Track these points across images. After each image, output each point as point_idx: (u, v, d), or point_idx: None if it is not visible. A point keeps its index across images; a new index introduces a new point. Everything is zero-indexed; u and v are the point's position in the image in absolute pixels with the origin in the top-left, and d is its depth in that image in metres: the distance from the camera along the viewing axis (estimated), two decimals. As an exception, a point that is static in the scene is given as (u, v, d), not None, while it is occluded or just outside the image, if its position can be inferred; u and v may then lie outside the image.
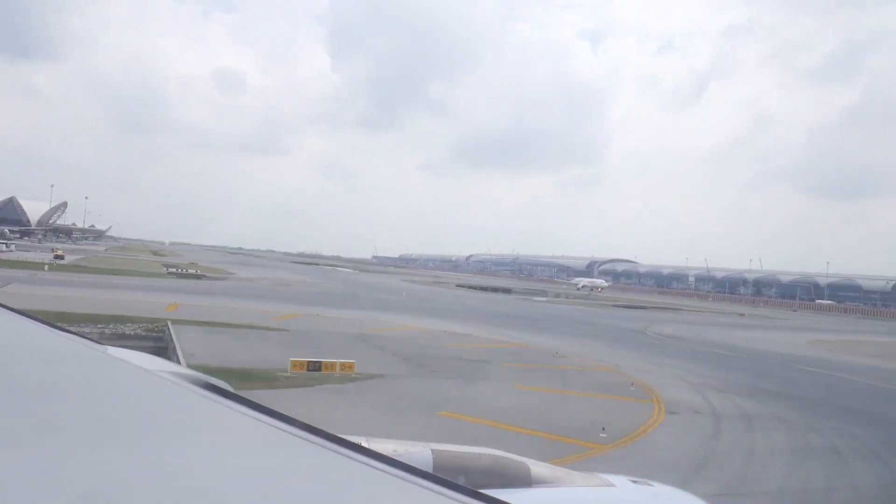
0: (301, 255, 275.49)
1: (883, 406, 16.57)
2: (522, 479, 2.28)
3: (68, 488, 0.83)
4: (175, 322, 20.39)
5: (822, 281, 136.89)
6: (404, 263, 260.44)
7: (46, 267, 44.83)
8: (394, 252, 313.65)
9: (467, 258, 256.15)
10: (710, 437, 11.74)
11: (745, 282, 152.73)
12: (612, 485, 2.49)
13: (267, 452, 1.20)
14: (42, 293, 25.89)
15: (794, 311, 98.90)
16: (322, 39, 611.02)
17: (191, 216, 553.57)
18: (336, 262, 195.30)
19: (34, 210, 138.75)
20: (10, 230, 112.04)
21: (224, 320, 22.26)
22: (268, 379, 13.80)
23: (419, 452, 2.20)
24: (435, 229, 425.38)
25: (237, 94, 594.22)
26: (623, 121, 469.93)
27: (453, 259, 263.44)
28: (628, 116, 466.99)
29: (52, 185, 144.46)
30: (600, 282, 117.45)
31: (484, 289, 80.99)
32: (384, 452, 1.41)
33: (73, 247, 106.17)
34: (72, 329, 2.34)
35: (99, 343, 2.21)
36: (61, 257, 57.82)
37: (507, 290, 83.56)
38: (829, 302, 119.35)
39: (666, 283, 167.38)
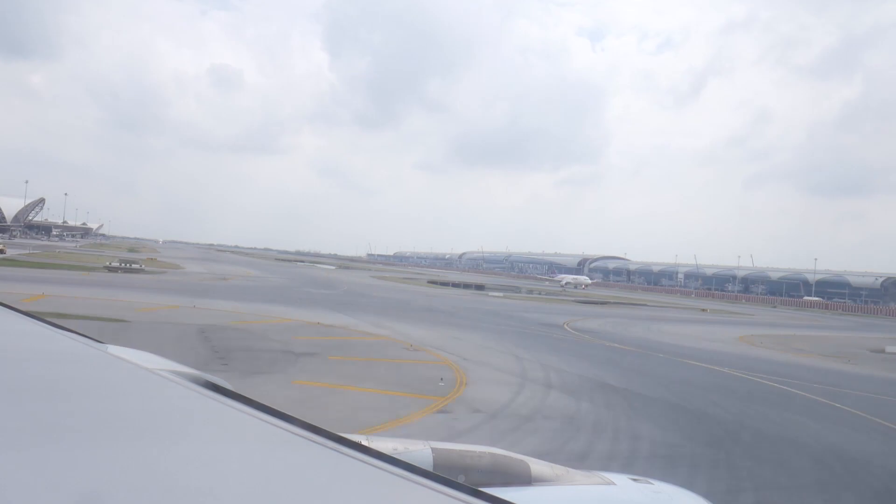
0: (297, 253, 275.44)
1: (731, 405, 14.91)
2: (522, 478, 2.27)
3: (69, 487, 0.83)
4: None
5: (812, 278, 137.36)
6: (398, 261, 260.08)
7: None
8: (389, 250, 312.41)
9: (460, 256, 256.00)
10: (449, 439, 10.11)
11: (734, 279, 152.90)
12: (612, 483, 2.47)
13: (267, 451, 1.20)
14: None
15: (774, 307, 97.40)
16: (319, 37, 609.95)
17: (189, 215, 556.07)
18: (328, 259, 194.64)
19: (10, 206, 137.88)
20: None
21: (72, 311, 20.76)
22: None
23: (419, 451, 2.18)
24: (432, 227, 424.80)
25: (234, 93, 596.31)
26: (620, 119, 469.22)
27: (447, 257, 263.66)
28: (625, 115, 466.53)
29: (27, 182, 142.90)
30: (584, 279, 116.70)
31: (456, 285, 79.23)
32: (384, 451, 1.44)
33: (43, 243, 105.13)
34: (72, 328, 2.27)
35: (99, 342, 2.20)
36: (2, 251, 57.15)
37: (479, 287, 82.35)
38: (817, 299, 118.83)
39: (655, 280, 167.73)
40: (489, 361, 17.88)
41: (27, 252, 65.81)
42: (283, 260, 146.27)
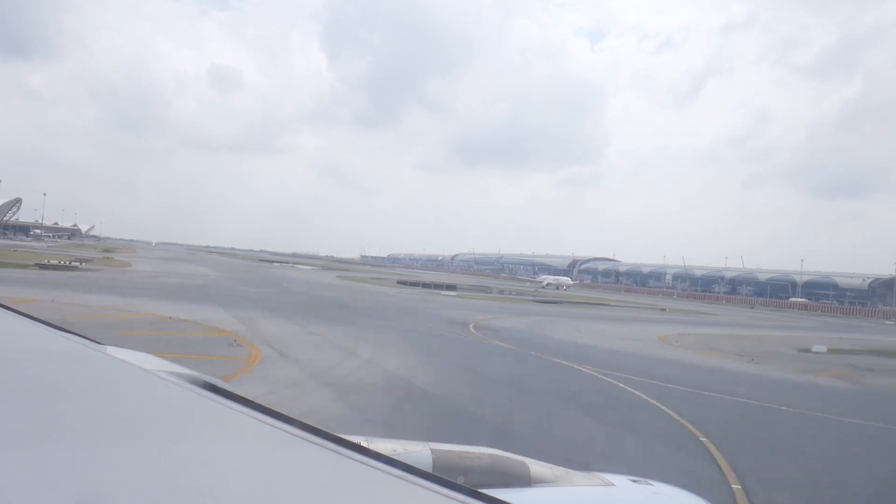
0: (294, 255, 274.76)
1: (505, 399, 13.22)
2: (522, 479, 2.24)
3: (68, 488, 0.84)
4: None
5: (800, 279, 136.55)
6: (391, 263, 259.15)
7: None
8: (386, 252, 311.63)
9: (453, 258, 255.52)
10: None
11: (721, 280, 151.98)
12: (611, 484, 2.44)
13: (266, 452, 1.21)
14: None
15: (752, 308, 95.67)
16: (318, 37, 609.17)
17: (189, 217, 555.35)
18: (320, 261, 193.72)
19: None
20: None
21: None
22: None
23: (419, 452, 2.16)
24: (432, 228, 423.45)
25: (233, 93, 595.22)
26: (620, 119, 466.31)
27: (439, 258, 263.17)
28: (625, 115, 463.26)
29: (0, 181, 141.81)
30: (565, 280, 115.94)
31: (426, 285, 76.67)
32: (384, 452, 1.43)
33: (11, 242, 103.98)
34: (71, 329, 2.26)
35: (98, 343, 2.18)
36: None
37: (450, 287, 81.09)
38: (802, 300, 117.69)
39: (644, 281, 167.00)
40: (307, 357, 16.23)
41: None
42: (266, 261, 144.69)
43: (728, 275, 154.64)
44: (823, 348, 29.87)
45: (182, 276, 51.48)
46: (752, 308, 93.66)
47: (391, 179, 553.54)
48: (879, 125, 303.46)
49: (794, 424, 13.22)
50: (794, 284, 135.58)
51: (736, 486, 8.16)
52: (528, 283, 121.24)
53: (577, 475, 2.44)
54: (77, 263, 54.74)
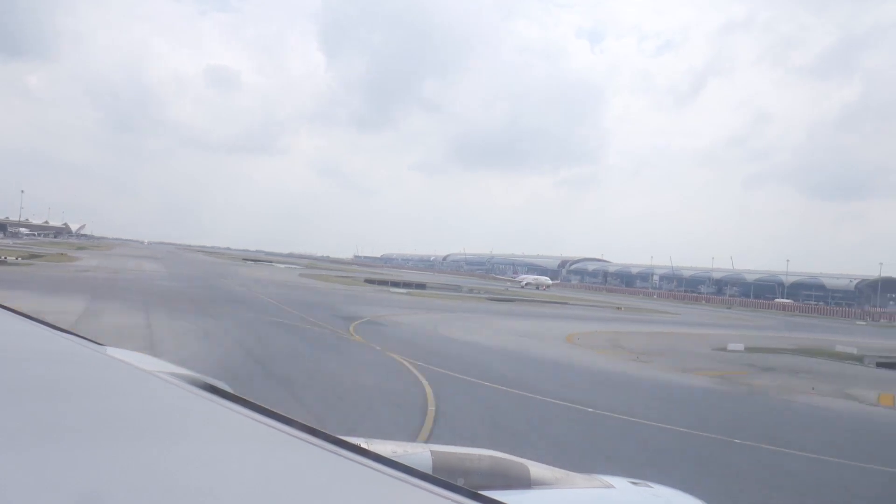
0: (290, 255, 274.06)
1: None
2: (522, 481, 2.24)
3: (67, 488, 0.84)
4: None
5: (788, 280, 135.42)
6: (383, 263, 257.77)
7: None
8: (381, 252, 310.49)
9: (444, 258, 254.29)
10: None
11: (708, 280, 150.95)
12: (611, 486, 2.46)
13: (266, 453, 1.21)
14: None
15: (729, 308, 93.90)
16: (317, 38, 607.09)
17: (187, 217, 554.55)
18: (312, 261, 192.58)
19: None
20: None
21: None
22: None
23: (418, 454, 2.17)
24: (432, 229, 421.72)
25: (232, 94, 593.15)
26: (619, 120, 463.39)
27: (431, 259, 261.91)
28: (625, 115, 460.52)
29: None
30: (545, 279, 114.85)
31: (394, 284, 75.01)
32: (383, 454, 1.43)
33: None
34: (70, 329, 2.27)
35: (98, 343, 2.18)
36: None
37: (420, 286, 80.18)
38: (787, 301, 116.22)
39: (631, 281, 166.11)
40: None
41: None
42: (249, 260, 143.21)
43: (716, 275, 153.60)
44: (741, 346, 28.14)
45: (116, 272, 49.96)
46: (729, 308, 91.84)
47: (389, 180, 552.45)
48: (879, 125, 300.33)
49: (544, 414, 12.12)
50: (781, 285, 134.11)
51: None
52: (509, 283, 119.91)
53: (577, 477, 2.44)
54: (16, 259, 53.58)
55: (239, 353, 16.10)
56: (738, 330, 44.32)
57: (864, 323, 75.27)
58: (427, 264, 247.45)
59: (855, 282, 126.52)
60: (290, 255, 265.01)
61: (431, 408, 11.35)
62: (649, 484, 2.60)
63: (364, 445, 1.57)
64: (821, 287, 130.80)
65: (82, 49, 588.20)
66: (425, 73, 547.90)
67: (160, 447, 1.08)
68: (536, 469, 2.31)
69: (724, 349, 27.66)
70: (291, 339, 19.97)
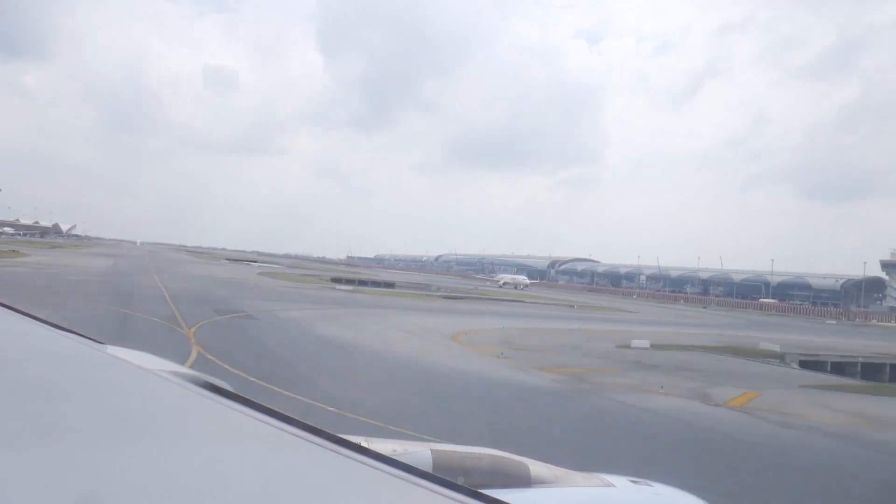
0: (285, 255, 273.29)
1: None
2: (522, 480, 2.26)
3: (68, 488, 0.84)
4: None
5: (774, 279, 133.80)
6: (376, 264, 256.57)
7: None
8: (379, 253, 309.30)
9: (436, 258, 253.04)
10: None
11: (695, 280, 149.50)
12: (611, 485, 2.47)
13: (266, 452, 1.21)
14: None
15: (705, 307, 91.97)
16: (316, 39, 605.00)
17: (182, 218, 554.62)
18: (305, 261, 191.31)
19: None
20: None
21: None
22: None
23: (419, 452, 2.19)
24: (428, 230, 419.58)
25: (228, 94, 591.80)
26: (618, 121, 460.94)
27: (423, 259, 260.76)
28: (623, 117, 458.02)
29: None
30: (522, 279, 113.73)
31: (362, 283, 74.23)
32: (384, 452, 1.44)
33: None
34: (71, 328, 2.26)
35: (99, 342, 2.20)
36: None
37: (389, 284, 78.96)
38: (772, 300, 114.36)
39: (619, 281, 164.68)
40: None
41: None
42: (232, 259, 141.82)
43: (703, 275, 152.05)
44: (646, 344, 26.31)
45: (45, 268, 48.42)
46: (705, 307, 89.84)
47: (388, 181, 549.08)
48: (878, 126, 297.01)
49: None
50: (767, 285, 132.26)
51: None
52: (489, 283, 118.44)
53: (577, 476, 2.44)
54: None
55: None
56: (683, 328, 42.40)
57: (834, 322, 73.26)
58: (419, 265, 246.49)
59: (841, 282, 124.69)
60: (284, 256, 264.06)
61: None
62: (650, 482, 2.59)
63: (364, 444, 1.57)
64: (807, 287, 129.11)
65: (79, 50, 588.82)
66: (424, 73, 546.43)
67: (161, 446, 1.08)
68: (536, 468, 2.32)
69: (628, 346, 25.85)
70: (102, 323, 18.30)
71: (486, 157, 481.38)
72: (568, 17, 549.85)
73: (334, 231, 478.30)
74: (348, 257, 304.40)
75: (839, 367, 29.37)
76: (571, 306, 57.26)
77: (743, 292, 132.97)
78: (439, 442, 2.38)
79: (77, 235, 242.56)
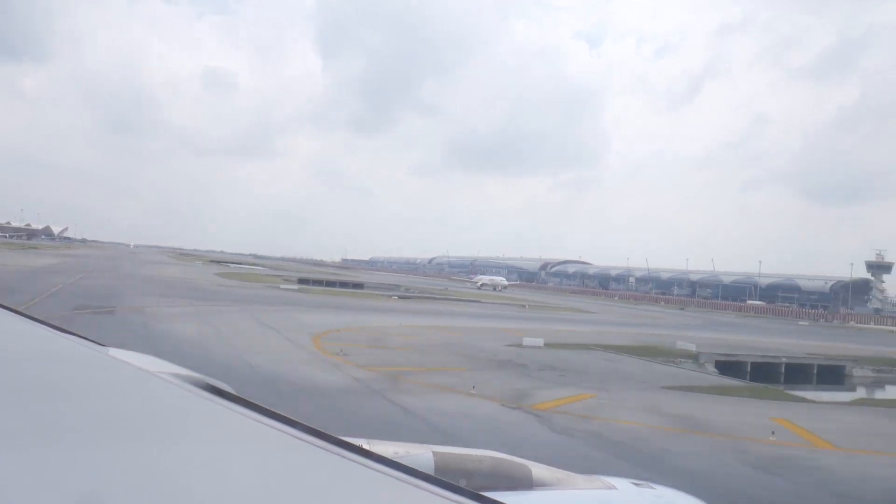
0: (282, 258, 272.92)
1: None
2: (524, 482, 2.24)
3: (69, 489, 0.84)
4: None
5: (764, 281, 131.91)
6: (369, 266, 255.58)
7: None
8: (365, 255, 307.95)
9: (430, 261, 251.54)
10: None
11: (684, 282, 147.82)
12: (613, 487, 2.45)
13: (268, 454, 1.21)
14: None
15: (682, 308, 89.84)
16: (316, 41, 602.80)
17: (181, 221, 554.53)
18: (299, 264, 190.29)
19: None
20: None
21: None
22: None
23: (420, 455, 2.18)
24: (425, 232, 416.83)
25: (226, 96, 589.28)
26: (617, 123, 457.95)
27: (417, 262, 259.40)
28: (623, 119, 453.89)
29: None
30: (500, 280, 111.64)
31: (329, 283, 73.16)
32: (385, 455, 1.44)
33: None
34: (73, 330, 2.25)
35: (100, 344, 2.18)
36: None
37: (358, 285, 77.74)
38: (760, 302, 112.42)
39: (608, 283, 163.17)
40: None
41: None
42: (215, 261, 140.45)
43: (693, 277, 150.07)
44: (539, 342, 24.36)
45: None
46: (682, 309, 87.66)
47: (386, 183, 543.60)
48: (878, 127, 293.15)
49: None
50: (757, 287, 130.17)
51: None
52: (468, 284, 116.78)
53: (579, 478, 2.43)
54: None
55: None
56: (623, 328, 40.17)
57: (806, 323, 70.91)
58: (412, 267, 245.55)
59: (830, 283, 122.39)
60: (281, 259, 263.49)
61: None
62: (651, 485, 2.57)
63: (366, 446, 1.57)
64: (796, 289, 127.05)
65: (75, 51, 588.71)
66: (424, 74, 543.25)
67: (161, 448, 1.07)
68: (538, 470, 2.30)
69: (519, 345, 23.90)
70: None
71: (485, 159, 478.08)
72: (568, 17, 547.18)
73: (335, 234, 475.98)
74: (343, 260, 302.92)
75: (760, 368, 27.35)
76: (523, 306, 55.30)
77: (732, 294, 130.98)
78: (441, 444, 2.34)
79: (69, 238, 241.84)
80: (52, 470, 0.87)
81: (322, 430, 1.28)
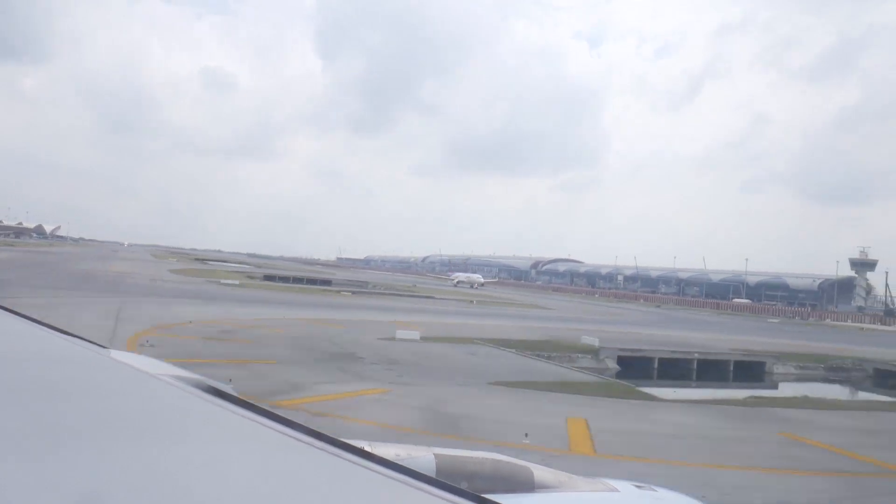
0: (280, 258, 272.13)
1: None
2: (525, 484, 2.24)
3: (70, 491, 0.85)
4: None
5: (752, 280, 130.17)
6: (364, 265, 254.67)
7: None
8: (360, 254, 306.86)
9: (423, 259, 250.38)
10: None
11: (673, 280, 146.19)
12: (615, 489, 2.42)
13: (269, 456, 1.22)
14: None
15: (658, 306, 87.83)
16: (315, 42, 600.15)
17: (179, 221, 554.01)
18: (296, 262, 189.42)
19: None
20: None
21: None
22: None
23: (422, 457, 2.17)
24: (424, 232, 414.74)
25: (224, 97, 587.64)
26: (617, 123, 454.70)
27: (411, 260, 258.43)
28: (623, 119, 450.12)
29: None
30: (477, 277, 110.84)
31: (297, 280, 72.98)
32: (386, 457, 1.45)
33: None
34: (74, 332, 2.23)
35: (102, 346, 2.18)
36: None
37: (325, 282, 76.89)
38: (746, 301, 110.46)
39: (597, 282, 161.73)
40: None
41: None
42: (198, 259, 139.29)
43: (682, 275, 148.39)
44: (415, 335, 22.53)
45: None
46: (658, 307, 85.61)
47: (386, 183, 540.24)
48: (878, 127, 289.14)
49: None
50: (745, 285, 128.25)
51: None
52: (447, 281, 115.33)
53: (581, 481, 2.42)
54: None
55: None
56: (564, 323, 38.20)
57: (777, 321, 68.84)
58: (405, 265, 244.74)
59: (819, 282, 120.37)
60: (279, 258, 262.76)
61: None
62: (654, 487, 2.57)
63: (367, 448, 1.58)
64: (784, 287, 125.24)
65: (76, 50, 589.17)
66: (423, 74, 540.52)
67: (162, 450, 1.07)
68: (540, 472, 2.29)
69: (392, 339, 22.07)
70: None
71: (485, 159, 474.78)
72: (568, 17, 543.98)
73: (335, 234, 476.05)
74: (338, 259, 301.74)
75: (670, 364, 25.47)
76: (471, 302, 53.59)
77: (720, 293, 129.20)
78: (442, 447, 2.31)
79: (61, 237, 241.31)
80: (52, 471, 0.86)
81: (323, 432, 1.27)
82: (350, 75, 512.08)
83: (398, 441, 2.32)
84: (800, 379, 26.67)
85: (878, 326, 70.50)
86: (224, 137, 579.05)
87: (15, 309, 2.29)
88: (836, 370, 28.09)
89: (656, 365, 25.19)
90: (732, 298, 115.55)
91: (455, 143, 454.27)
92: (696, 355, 26.06)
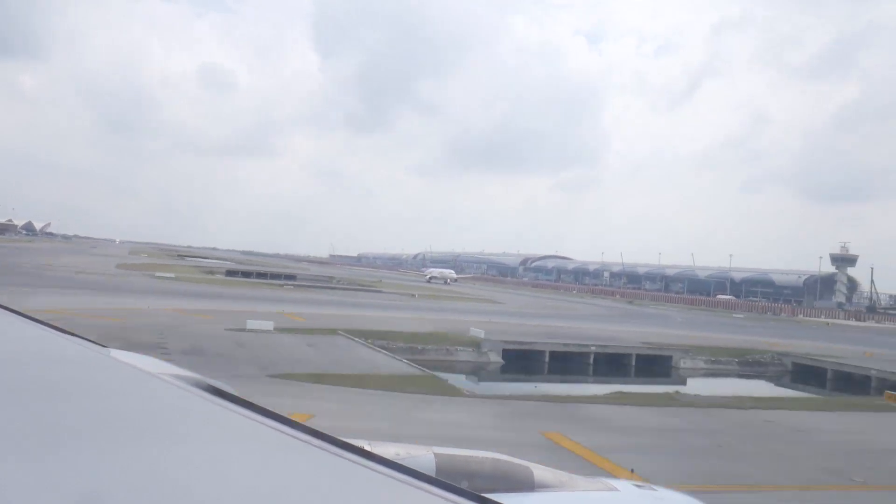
0: (275, 255, 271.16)
1: None
2: (525, 484, 2.25)
3: (70, 491, 0.85)
4: None
5: (738, 276, 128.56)
6: (356, 262, 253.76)
7: None
8: (354, 252, 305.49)
9: (414, 256, 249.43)
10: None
11: (659, 277, 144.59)
12: (615, 489, 2.44)
13: (269, 456, 1.22)
14: None
15: (630, 302, 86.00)
16: (314, 41, 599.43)
17: (177, 219, 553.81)
18: (288, 259, 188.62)
19: None
20: None
21: None
22: None
23: (422, 456, 2.20)
24: (423, 231, 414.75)
25: (222, 96, 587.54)
26: (617, 123, 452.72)
27: (402, 258, 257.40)
28: (623, 118, 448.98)
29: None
30: (449, 272, 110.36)
31: (260, 275, 71.49)
32: (386, 456, 1.46)
33: None
34: (74, 332, 2.22)
35: (102, 346, 2.17)
36: None
37: (290, 277, 75.66)
38: (729, 297, 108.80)
39: (583, 278, 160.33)
40: None
41: None
42: (182, 255, 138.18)
43: (669, 272, 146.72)
44: (269, 326, 21.04)
45: None
46: (630, 302, 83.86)
47: (385, 182, 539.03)
48: (878, 127, 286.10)
49: None
50: (731, 281, 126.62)
51: None
52: (426, 278, 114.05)
53: (581, 480, 2.42)
54: None
55: None
56: (485, 316, 36.41)
57: (741, 316, 67.10)
58: (396, 263, 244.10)
59: (804, 278, 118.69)
60: (274, 256, 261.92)
61: None
62: (654, 487, 2.57)
63: (367, 447, 1.59)
64: (770, 283, 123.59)
65: (75, 50, 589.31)
66: (423, 73, 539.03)
67: (162, 449, 1.08)
68: (540, 471, 2.30)
69: (242, 329, 20.50)
70: None
71: (484, 158, 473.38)
72: (567, 17, 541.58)
73: (334, 232, 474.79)
74: (331, 255, 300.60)
75: (563, 357, 23.94)
76: (412, 295, 52.19)
77: (706, 289, 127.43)
78: (442, 446, 2.33)
79: (51, 233, 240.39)
80: (52, 471, 0.87)
81: (323, 432, 1.27)
82: (349, 74, 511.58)
83: (398, 440, 2.31)
84: (709, 374, 25.07)
85: (849, 322, 68.74)
86: (223, 137, 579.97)
87: (15, 309, 2.26)
88: (751, 365, 26.49)
89: (547, 359, 23.59)
90: (716, 294, 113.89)
91: (454, 143, 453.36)
92: (594, 349, 24.39)
